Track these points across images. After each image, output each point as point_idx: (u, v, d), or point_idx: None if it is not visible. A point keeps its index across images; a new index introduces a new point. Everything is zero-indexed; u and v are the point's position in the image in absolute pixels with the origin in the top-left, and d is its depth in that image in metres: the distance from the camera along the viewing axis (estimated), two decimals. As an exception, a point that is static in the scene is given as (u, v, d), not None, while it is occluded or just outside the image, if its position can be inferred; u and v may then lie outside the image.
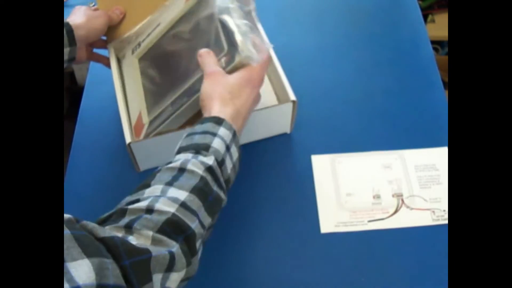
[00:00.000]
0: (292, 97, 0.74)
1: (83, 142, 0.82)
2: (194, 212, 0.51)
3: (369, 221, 0.71)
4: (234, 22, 0.66)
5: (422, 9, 1.06)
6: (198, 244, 0.51)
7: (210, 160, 0.54)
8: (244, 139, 0.78)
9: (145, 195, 0.51)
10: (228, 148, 0.57)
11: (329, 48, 0.93)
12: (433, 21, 1.60)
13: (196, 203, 0.51)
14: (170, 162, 0.55)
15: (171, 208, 0.49)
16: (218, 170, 0.55)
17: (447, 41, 1.62)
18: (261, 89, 0.67)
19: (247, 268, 0.66)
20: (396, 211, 0.72)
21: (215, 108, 0.60)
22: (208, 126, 0.57)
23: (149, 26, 0.79)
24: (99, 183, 0.76)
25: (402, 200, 0.73)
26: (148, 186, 0.53)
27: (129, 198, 0.52)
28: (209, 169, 0.54)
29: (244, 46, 0.63)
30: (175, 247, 0.48)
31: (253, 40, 0.64)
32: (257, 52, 0.63)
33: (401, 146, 0.78)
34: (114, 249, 0.44)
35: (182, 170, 0.53)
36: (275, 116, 0.77)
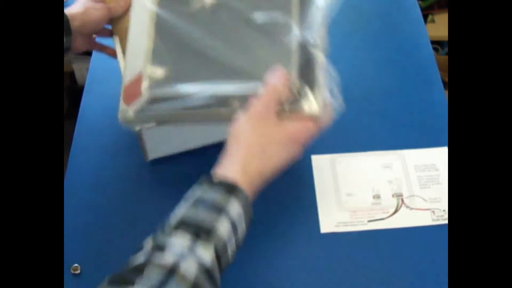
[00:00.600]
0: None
1: (83, 142, 0.82)
2: None
3: (369, 221, 0.71)
4: (321, 56, 0.56)
5: (422, 9, 1.06)
6: None
7: (208, 256, 0.46)
8: None
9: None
10: (235, 229, 0.49)
11: (329, 47, 0.93)
12: (433, 21, 1.60)
13: None
14: (163, 249, 0.46)
15: None
16: (215, 268, 0.47)
17: (447, 41, 1.62)
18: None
19: (246, 268, 0.66)
20: (396, 211, 0.72)
21: (234, 161, 0.51)
22: (218, 197, 0.49)
23: None
24: (99, 183, 0.76)
25: (402, 200, 0.73)
26: (133, 284, 0.44)
27: None
28: (205, 271, 0.46)
29: (320, 95, 0.53)
30: None
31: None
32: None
33: (401, 146, 0.78)
34: None
35: (172, 272, 0.44)
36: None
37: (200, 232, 0.47)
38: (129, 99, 0.59)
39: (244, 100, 0.55)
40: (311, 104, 0.54)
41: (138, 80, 0.59)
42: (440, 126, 0.80)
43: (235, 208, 0.49)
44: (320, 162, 0.77)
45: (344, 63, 0.90)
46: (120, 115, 0.58)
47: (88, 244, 0.70)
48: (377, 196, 0.73)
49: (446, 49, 1.64)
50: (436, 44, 1.62)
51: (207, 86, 0.56)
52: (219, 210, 0.48)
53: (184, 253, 0.45)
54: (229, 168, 0.51)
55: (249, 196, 0.51)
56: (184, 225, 0.47)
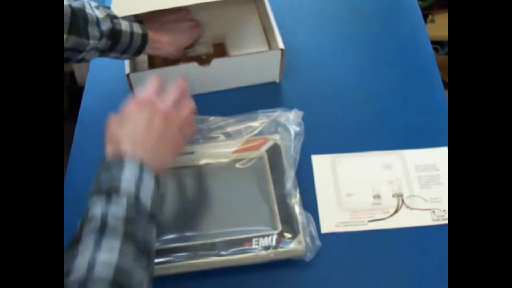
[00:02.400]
0: (281, 45, 0.80)
1: (83, 142, 0.82)
2: (132, 266, 0.51)
3: (369, 221, 0.71)
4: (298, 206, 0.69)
5: (422, 9, 1.06)
6: None
7: (123, 205, 0.54)
8: (235, 83, 0.86)
9: (76, 266, 0.49)
10: (139, 180, 0.56)
11: (329, 48, 0.93)
12: (433, 21, 1.60)
13: (129, 256, 0.51)
14: (87, 213, 0.53)
15: (109, 270, 0.49)
16: (135, 210, 0.54)
17: (447, 41, 1.62)
18: (256, 39, 0.82)
19: (246, 268, 0.66)
20: (396, 211, 0.72)
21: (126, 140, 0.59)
22: (113, 165, 0.57)
23: None
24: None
25: (402, 200, 0.73)
26: (77, 251, 0.50)
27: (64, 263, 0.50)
28: (125, 219, 0.53)
29: (301, 236, 0.66)
30: None
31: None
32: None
33: (401, 146, 0.78)
34: None
35: (103, 227, 0.52)
36: (265, 62, 0.83)
37: (110, 192, 0.54)
38: None
39: (228, 244, 0.66)
40: (296, 244, 0.65)
41: None
42: (440, 126, 0.80)
43: (129, 173, 0.56)
44: (320, 162, 0.77)
45: (344, 63, 0.91)
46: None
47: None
48: (377, 196, 0.73)
49: (446, 49, 1.64)
50: (436, 44, 1.63)
51: (199, 235, 0.68)
52: (117, 173, 0.56)
53: (104, 211, 0.53)
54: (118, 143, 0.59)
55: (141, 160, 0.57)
56: (95, 192, 0.55)
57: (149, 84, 0.65)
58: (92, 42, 0.71)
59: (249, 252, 0.65)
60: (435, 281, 0.65)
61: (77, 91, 1.01)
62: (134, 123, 0.60)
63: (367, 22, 0.97)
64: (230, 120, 0.78)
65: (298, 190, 0.70)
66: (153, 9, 0.74)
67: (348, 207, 0.72)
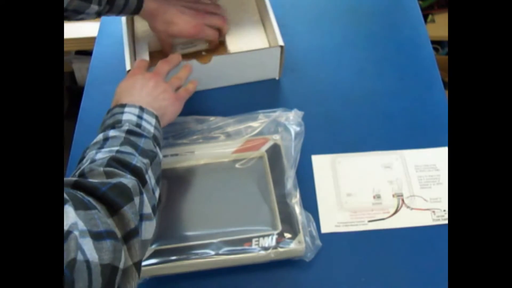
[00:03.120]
0: (280, 42, 0.81)
1: (83, 142, 0.81)
2: (130, 153, 0.56)
3: (370, 221, 0.71)
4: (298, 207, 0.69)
5: (422, 9, 1.06)
6: (147, 177, 0.56)
7: (126, 126, 0.60)
8: (236, 80, 0.87)
9: (82, 162, 0.56)
10: (140, 116, 0.63)
11: (329, 48, 0.93)
12: (433, 21, 1.60)
13: (129, 149, 0.57)
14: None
15: (110, 154, 0.55)
16: (137, 129, 0.60)
17: (447, 41, 1.62)
18: (256, 37, 0.85)
19: (245, 268, 0.66)
20: (396, 211, 0.72)
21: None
22: (115, 111, 0.63)
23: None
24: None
25: (403, 200, 0.73)
26: (83, 159, 0.57)
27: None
28: (128, 131, 0.59)
29: (301, 235, 0.66)
30: (127, 176, 0.53)
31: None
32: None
33: (401, 146, 0.78)
34: (86, 187, 0.49)
35: (105, 139, 0.58)
36: (264, 59, 0.84)
37: (114, 125, 0.61)
38: None
39: (228, 244, 0.66)
40: (296, 243, 0.65)
41: None
42: (440, 126, 0.80)
43: (130, 108, 0.64)
44: (320, 162, 0.77)
45: (345, 63, 0.91)
46: None
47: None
48: (377, 196, 0.73)
49: (446, 49, 1.64)
50: (436, 44, 1.62)
51: (200, 234, 0.68)
52: (120, 113, 0.63)
53: (106, 131, 0.61)
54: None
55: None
56: (99, 131, 0.63)
57: (136, 63, 0.74)
58: (93, 6, 0.72)
59: (249, 252, 0.65)
60: (435, 281, 0.65)
61: (77, 91, 1.01)
62: (130, 86, 0.68)
63: (367, 21, 0.97)
64: (230, 120, 0.78)
65: (298, 190, 0.70)
66: None
67: (348, 207, 0.72)
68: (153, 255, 0.65)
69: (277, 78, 0.88)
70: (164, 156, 0.71)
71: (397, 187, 0.74)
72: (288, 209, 0.68)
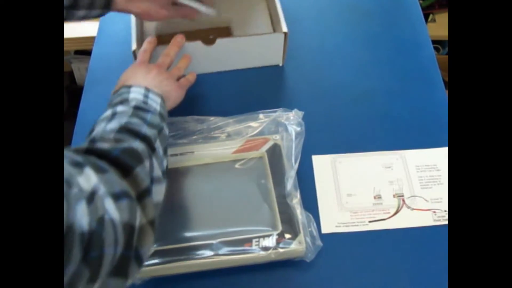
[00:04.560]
0: (284, 29, 0.83)
1: (82, 141, 0.81)
2: (138, 123, 0.58)
3: (370, 221, 0.71)
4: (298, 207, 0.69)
5: (423, 9, 1.06)
6: (156, 145, 0.57)
7: (133, 102, 0.62)
8: (240, 64, 0.88)
9: (92, 134, 0.58)
10: (146, 95, 0.64)
11: (329, 47, 0.93)
12: (434, 20, 1.60)
13: (137, 121, 0.58)
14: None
15: (118, 124, 0.57)
16: (144, 105, 0.62)
17: (448, 40, 1.61)
18: (262, 24, 0.88)
19: (246, 268, 0.66)
20: (397, 212, 0.72)
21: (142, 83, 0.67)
22: (122, 91, 0.65)
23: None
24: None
25: (403, 201, 0.73)
26: (92, 131, 0.59)
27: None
28: (135, 107, 0.61)
29: (301, 236, 0.66)
30: (137, 141, 0.55)
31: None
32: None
33: (402, 146, 0.78)
34: (99, 151, 0.51)
35: (114, 114, 0.59)
36: (268, 44, 0.86)
37: (121, 102, 0.62)
38: None
39: (228, 244, 0.66)
40: (297, 244, 0.65)
41: None
42: (441, 126, 0.80)
43: (136, 88, 0.65)
44: (320, 162, 0.77)
45: (345, 63, 0.91)
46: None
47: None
48: (378, 197, 0.73)
49: (447, 49, 1.64)
50: (437, 43, 1.62)
51: (200, 235, 0.68)
52: (127, 92, 0.64)
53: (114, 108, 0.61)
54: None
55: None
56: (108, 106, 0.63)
57: (139, 56, 0.75)
58: None
59: (250, 253, 0.64)
60: (435, 281, 0.65)
61: (77, 91, 1.01)
62: (134, 73, 0.70)
63: (368, 21, 0.97)
64: (230, 120, 0.78)
65: (298, 190, 0.70)
66: None
67: (349, 208, 0.72)
68: (153, 256, 0.64)
69: (280, 64, 0.89)
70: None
71: (398, 188, 0.74)
72: (288, 210, 0.68)
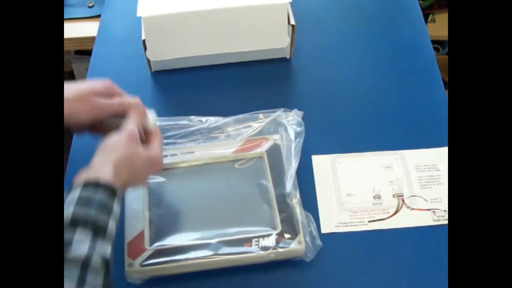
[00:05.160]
0: (292, 21, 0.84)
1: (82, 142, 0.81)
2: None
3: (370, 221, 0.71)
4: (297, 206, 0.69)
5: (423, 9, 1.06)
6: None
7: (107, 250, 0.53)
8: (242, 46, 0.86)
9: None
10: (117, 226, 0.57)
11: (329, 47, 0.93)
12: (433, 20, 1.60)
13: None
14: (71, 244, 0.50)
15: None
16: (111, 256, 0.54)
17: (447, 40, 1.61)
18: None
19: (246, 268, 0.66)
20: (396, 212, 0.72)
21: (106, 169, 0.57)
22: (105, 199, 0.54)
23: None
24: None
25: (403, 200, 0.73)
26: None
27: None
28: (106, 262, 0.52)
29: (301, 235, 0.66)
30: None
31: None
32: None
33: (402, 146, 0.78)
34: None
35: (85, 266, 0.50)
36: (271, 18, 0.85)
37: (97, 230, 0.52)
38: (134, 255, 0.65)
39: (228, 244, 0.66)
40: (296, 244, 0.65)
41: (140, 238, 0.67)
42: (441, 126, 0.80)
43: (117, 208, 0.56)
44: (320, 162, 0.77)
45: (345, 63, 0.91)
46: (127, 269, 0.64)
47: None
48: (377, 196, 0.73)
49: (447, 49, 1.64)
50: (437, 44, 1.62)
51: (199, 235, 0.67)
52: (108, 210, 0.54)
53: (89, 248, 0.51)
54: (105, 173, 0.57)
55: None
56: (81, 223, 0.52)
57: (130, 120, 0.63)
58: None
59: (249, 253, 0.65)
60: (435, 281, 0.65)
61: (77, 91, 1.01)
62: (139, 175, 0.62)
63: (368, 21, 0.97)
64: (230, 120, 0.78)
65: (298, 190, 0.70)
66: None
67: (348, 207, 0.72)
68: (153, 255, 0.65)
69: (288, 57, 0.89)
70: (164, 156, 0.71)
71: (397, 187, 0.74)
72: (288, 209, 0.68)
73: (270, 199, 0.70)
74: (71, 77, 1.66)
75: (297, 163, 0.73)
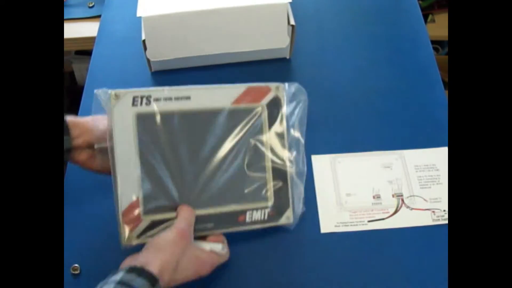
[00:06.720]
0: (292, 22, 0.84)
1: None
2: None
3: (369, 221, 0.71)
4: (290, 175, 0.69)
5: (422, 9, 1.06)
6: None
7: None
8: (243, 45, 0.87)
9: None
10: None
11: (329, 47, 0.93)
12: (433, 21, 1.60)
13: None
14: None
15: None
16: None
17: (447, 41, 1.62)
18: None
19: (245, 268, 0.66)
20: (396, 211, 0.72)
21: (156, 263, 0.57)
22: (146, 284, 0.54)
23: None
24: (99, 184, 0.76)
25: (402, 200, 0.73)
26: None
27: None
28: None
29: (292, 209, 0.68)
30: None
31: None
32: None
33: (401, 146, 0.78)
34: None
35: None
36: (271, 17, 0.85)
37: None
38: (130, 225, 0.64)
39: (219, 219, 0.66)
40: (286, 216, 0.68)
41: (134, 207, 0.64)
42: (440, 126, 0.80)
43: None
44: (320, 162, 0.77)
45: (345, 63, 0.91)
46: (123, 240, 0.64)
47: (88, 244, 0.69)
48: (377, 196, 0.73)
49: (447, 49, 1.64)
50: (437, 44, 1.62)
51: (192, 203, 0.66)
52: None
53: None
54: (152, 265, 0.56)
55: None
56: None
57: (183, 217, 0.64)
58: None
59: (243, 225, 0.67)
60: (435, 281, 0.65)
61: (77, 91, 1.01)
62: (183, 273, 0.60)
63: (367, 21, 0.97)
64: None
65: (294, 153, 0.70)
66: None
67: (348, 207, 0.72)
68: (149, 227, 0.64)
69: (287, 57, 0.89)
70: (157, 99, 0.67)
71: (397, 187, 0.74)
72: (281, 175, 0.69)
73: (266, 166, 0.68)
74: (72, 77, 1.66)
75: (304, 129, 0.72)
